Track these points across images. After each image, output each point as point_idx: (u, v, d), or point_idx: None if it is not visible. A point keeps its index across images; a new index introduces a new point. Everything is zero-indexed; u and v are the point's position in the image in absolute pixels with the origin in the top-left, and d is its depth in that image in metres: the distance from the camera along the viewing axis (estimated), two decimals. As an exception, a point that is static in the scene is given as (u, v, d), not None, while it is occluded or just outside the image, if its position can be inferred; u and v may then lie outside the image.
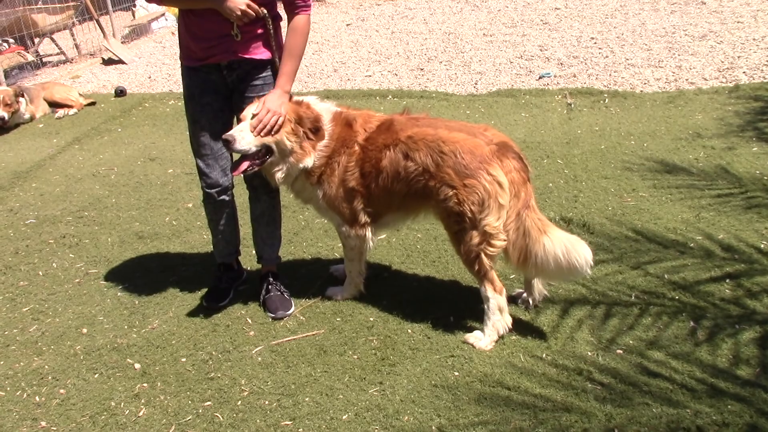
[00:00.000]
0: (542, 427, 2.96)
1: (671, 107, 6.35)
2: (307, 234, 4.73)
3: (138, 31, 11.86)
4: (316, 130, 3.62)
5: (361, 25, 10.91)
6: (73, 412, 3.32)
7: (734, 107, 6.20)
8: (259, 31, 3.61)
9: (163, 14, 12.40)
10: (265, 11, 3.56)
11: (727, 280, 3.80)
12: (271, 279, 4.01)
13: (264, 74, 3.69)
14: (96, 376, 3.56)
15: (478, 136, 3.43)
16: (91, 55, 10.85)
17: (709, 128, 5.80)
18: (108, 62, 10.43)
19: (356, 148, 3.63)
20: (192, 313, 3.98)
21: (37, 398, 3.44)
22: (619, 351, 3.37)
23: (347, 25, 11.05)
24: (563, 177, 5.16)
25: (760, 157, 5.20)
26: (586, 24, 9.68)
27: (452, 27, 10.21)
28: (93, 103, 8.17)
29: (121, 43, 10.99)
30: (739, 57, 7.71)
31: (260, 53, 3.64)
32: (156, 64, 10.02)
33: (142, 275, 4.42)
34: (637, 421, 2.94)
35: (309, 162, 3.63)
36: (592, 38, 8.96)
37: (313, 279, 4.21)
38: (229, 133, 3.52)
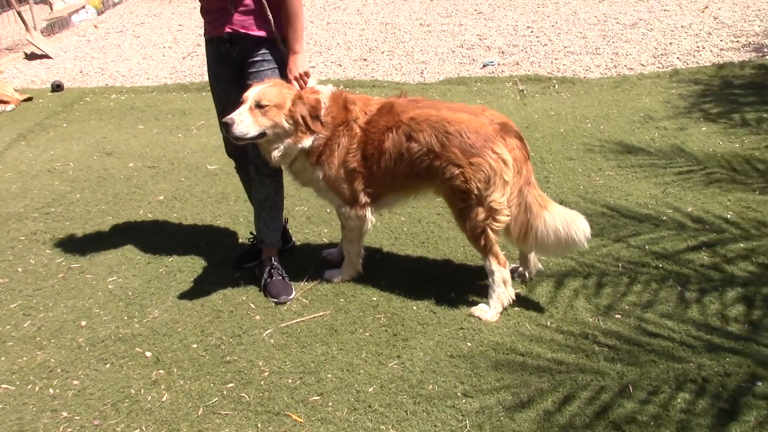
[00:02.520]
0: (562, 387, 3.14)
1: (618, 91, 6.66)
2: (290, 222, 4.78)
3: (59, 25, 11.53)
4: (315, 118, 3.68)
5: (294, 18, 10.90)
6: (92, 401, 3.31)
7: (677, 90, 6.56)
8: (253, 7, 3.72)
9: (83, 7, 12.09)
10: None
11: (704, 249, 4.07)
12: (274, 263, 4.07)
13: (262, 51, 3.79)
14: (107, 366, 3.56)
15: (480, 116, 3.58)
16: (8, 50, 10.49)
17: (658, 111, 6.12)
18: (31, 57, 10.13)
19: (357, 130, 3.73)
20: (192, 302, 4.00)
21: (51, 390, 3.41)
22: (617, 316, 3.58)
23: (279, 17, 11.03)
24: (531, 159, 5.35)
25: (710, 136, 5.54)
26: (519, 13, 9.97)
27: (388, 17, 10.34)
28: (30, 99, 7.95)
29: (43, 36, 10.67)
30: (671, 43, 8.12)
31: (255, 30, 3.75)
32: (84, 58, 9.79)
33: (129, 268, 4.40)
34: (647, 377, 3.15)
35: (307, 143, 3.70)
36: (528, 27, 9.26)
37: (306, 264, 4.28)
38: (230, 116, 3.58)
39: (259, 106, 3.58)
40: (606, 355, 3.31)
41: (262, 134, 3.64)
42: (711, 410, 2.94)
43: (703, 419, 2.90)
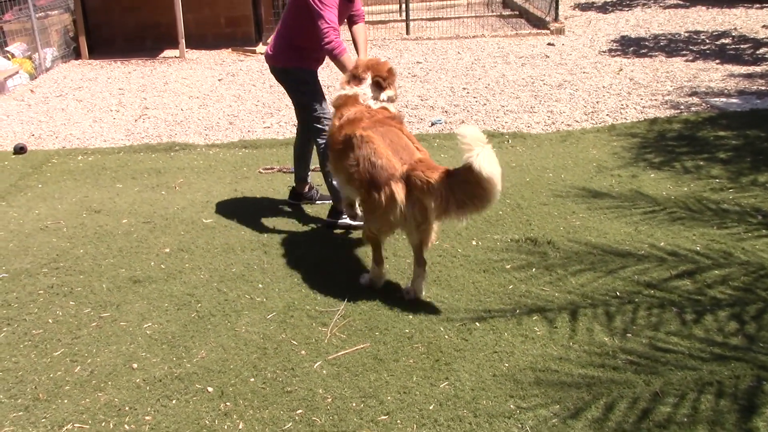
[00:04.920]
0: (602, 397, 3.62)
1: (567, 145, 7.35)
2: (312, 271, 5.13)
3: (-8, 90, 11.49)
4: (355, 78, 4.96)
5: (233, 80, 11.30)
6: (171, 433, 3.56)
7: (619, 143, 7.30)
8: None
9: (17, 72, 12.10)
10: None
11: (686, 277, 4.68)
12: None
13: None
14: (173, 402, 3.80)
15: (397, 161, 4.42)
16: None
17: (608, 161, 6.82)
18: (-31, 121, 10.08)
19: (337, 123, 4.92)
20: (235, 342, 4.29)
21: (126, 426, 3.63)
22: (629, 335, 4.11)
23: (219, 80, 11.39)
24: (508, 206, 5.92)
25: (660, 181, 6.26)
26: (451, 76, 10.68)
27: (326, 80, 10.80)
28: (-11, 162, 7.99)
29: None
30: (597, 102, 8.95)
31: None
32: (31, 122, 9.83)
33: (160, 314, 4.64)
34: (670, 383, 3.68)
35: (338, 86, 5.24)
36: (464, 88, 9.95)
37: (337, 302, 4.63)
38: None
39: None
40: (630, 368, 3.81)
41: None
42: (733, 407, 3.48)
43: (729, 415, 3.44)
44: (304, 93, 5.61)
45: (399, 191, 4.34)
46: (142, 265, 5.31)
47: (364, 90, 4.89)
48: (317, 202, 6.25)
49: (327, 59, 5.48)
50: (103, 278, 5.14)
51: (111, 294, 4.92)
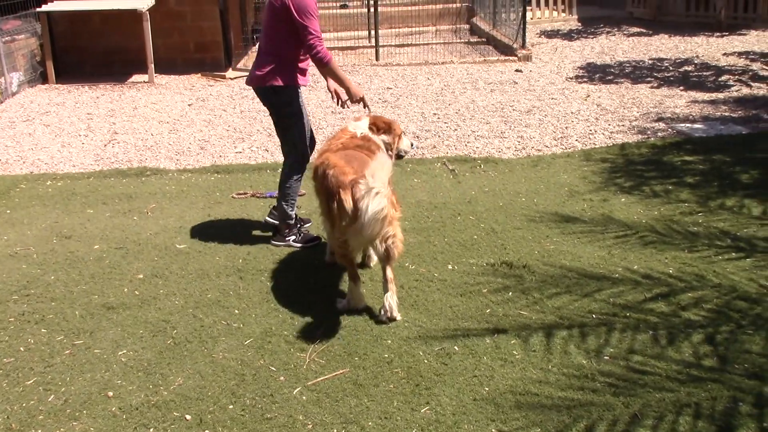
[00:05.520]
0: (582, 420, 3.64)
1: (538, 170, 7.43)
2: (290, 293, 5.11)
3: (-44, 115, 11.33)
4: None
5: (204, 105, 11.26)
6: (150, 463, 3.50)
7: (589, 168, 7.40)
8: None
9: (-17, 97, 11.96)
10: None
11: (660, 299, 4.74)
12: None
13: None
14: (151, 431, 3.75)
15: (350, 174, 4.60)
16: None
17: (579, 185, 6.91)
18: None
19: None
20: (212, 368, 4.25)
21: (102, 457, 3.57)
22: (606, 357, 4.15)
23: (189, 105, 11.35)
24: (482, 230, 5.96)
25: (630, 205, 6.35)
26: (422, 102, 10.76)
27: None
28: (-45, 188, 7.87)
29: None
30: (566, 128, 9.07)
31: None
32: (-3, 147, 9.72)
33: (135, 341, 4.59)
34: (649, 405, 3.71)
35: None
36: (435, 113, 10.03)
37: (313, 328, 4.62)
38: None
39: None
40: (609, 390, 3.84)
41: None
42: (711, 429, 3.53)
43: (708, 436, 3.47)
44: (291, 115, 5.64)
45: (348, 199, 4.47)
46: (115, 292, 5.24)
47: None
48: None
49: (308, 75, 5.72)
50: (75, 305, 5.07)
51: (84, 321, 4.86)
